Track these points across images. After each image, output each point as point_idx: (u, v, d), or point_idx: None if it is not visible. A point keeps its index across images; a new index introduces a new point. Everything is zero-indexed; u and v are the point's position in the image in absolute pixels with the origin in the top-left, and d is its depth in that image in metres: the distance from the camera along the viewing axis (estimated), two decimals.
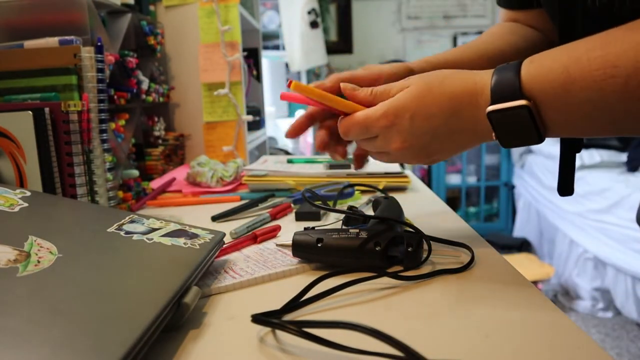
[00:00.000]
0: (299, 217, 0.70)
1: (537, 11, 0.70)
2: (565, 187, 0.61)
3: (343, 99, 0.52)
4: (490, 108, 0.45)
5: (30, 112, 0.59)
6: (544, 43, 0.70)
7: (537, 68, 0.44)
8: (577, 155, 0.61)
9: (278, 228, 0.63)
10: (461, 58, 0.66)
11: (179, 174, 1.00)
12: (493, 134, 0.46)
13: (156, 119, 1.05)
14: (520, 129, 0.44)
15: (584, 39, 0.43)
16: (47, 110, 0.61)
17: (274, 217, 0.71)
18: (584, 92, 0.41)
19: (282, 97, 0.53)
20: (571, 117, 0.43)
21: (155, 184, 0.92)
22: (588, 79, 0.41)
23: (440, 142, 0.49)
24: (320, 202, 0.66)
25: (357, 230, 0.50)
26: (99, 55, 0.68)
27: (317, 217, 0.70)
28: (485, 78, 0.46)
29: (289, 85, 0.51)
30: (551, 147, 2.74)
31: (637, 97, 0.39)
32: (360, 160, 0.61)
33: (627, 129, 0.44)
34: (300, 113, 3.04)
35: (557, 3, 0.57)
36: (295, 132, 0.60)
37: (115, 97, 0.83)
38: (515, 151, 3.31)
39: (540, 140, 0.45)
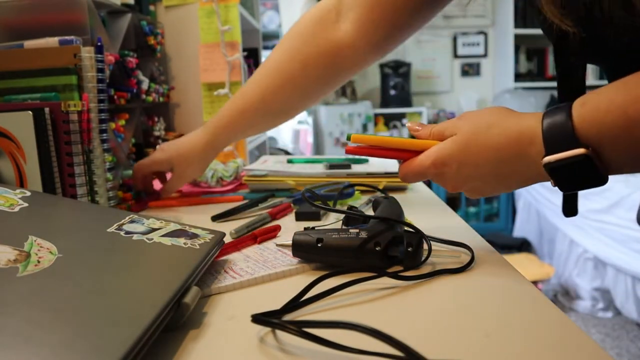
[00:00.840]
0: (299, 217, 0.70)
1: None
2: (570, 208, 0.61)
3: (404, 139, 0.54)
4: (547, 160, 0.43)
5: (30, 112, 0.59)
6: None
7: (591, 111, 0.42)
8: None
9: (278, 228, 0.63)
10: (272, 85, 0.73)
11: None
12: (551, 182, 0.45)
13: (156, 119, 1.05)
14: (580, 175, 0.43)
15: (636, 74, 0.41)
16: (47, 110, 0.61)
17: (274, 217, 0.71)
18: None
19: (348, 151, 0.55)
20: (635, 157, 0.42)
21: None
22: None
23: (492, 185, 0.50)
24: (320, 202, 0.66)
25: (357, 230, 0.50)
26: (99, 55, 0.68)
27: (317, 217, 0.70)
28: (533, 125, 0.44)
29: (348, 139, 0.54)
30: None
31: None
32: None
33: None
34: (300, 114, 3.04)
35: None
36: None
37: (115, 97, 0.83)
38: None
39: (603, 183, 0.43)
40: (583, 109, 0.42)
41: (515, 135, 0.46)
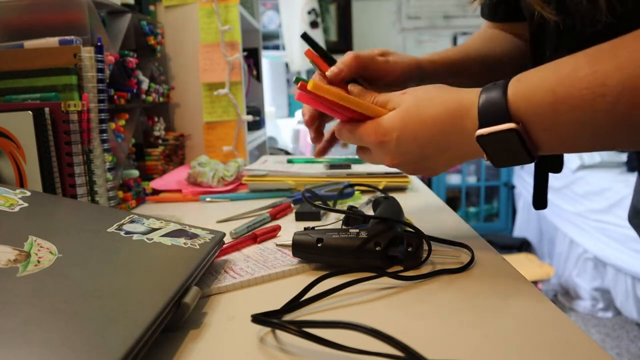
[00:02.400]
0: (299, 217, 0.70)
1: (519, 23, 0.71)
2: (540, 202, 0.62)
3: (359, 100, 0.53)
4: (479, 132, 0.44)
5: (30, 112, 0.59)
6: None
7: (523, 89, 0.43)
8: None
9: (278, 228, 0.63)
10: (462, 60, 0.67)
11: (179, 174, 1.00)
12: (484, 156, 0.46)
13: (156, 119, 1.05)
14: (510, 150, 0.44)
15: (572, 55, 0.41)
16: (47, 110, 0.61)
17: (274, 217, 0.71)
18: (573, 113, 0.40)
19: (297, 98, 0.53)
20: (562, 137, 0.43)
21: (156, 183, 0.92)
22: (576, 99, 0.39)
23: (430, 159, 0.50)
24: (320, 202, 0.66)
25: (357, 230, 0.50)
26: (99, 55, 0.68)
27: (317, 217, 0.70)
28: (471, 98, 0.46)
29: (300, 87, 0.51)
30: None
31: (628, 115, 0.38)
32: (323, 151, 0.64)
33: (621, 145, 0.43)
34: (300, 114, 3.03)
35: (530, 22, 0.58)
36: (323, 153, 0.64)
37: (115, 97, 0.83)
38: None
39: (532, 160, 0.44)
40: (518, 85, 0.43)
41: (454, 107, 0.47)
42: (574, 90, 0.40)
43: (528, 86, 0.43)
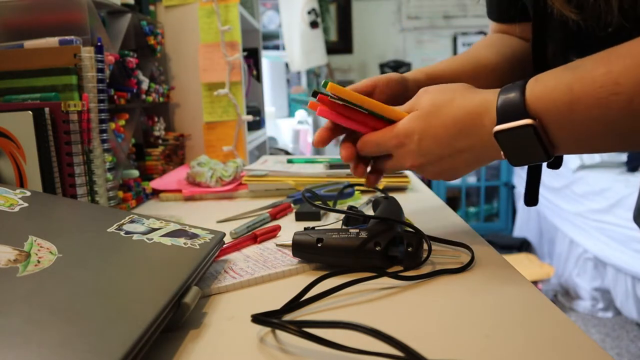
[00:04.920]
0: (299, 217, 0.70)
1: (526, 24, 0.71)
2: (531, 198, 0.63)
3: (380, 104, 0.53)
4: (497, 128, 0.45)
5: (30, 112, 0.59)
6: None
7: (541, 87, 0.44)
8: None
9: (278, 228, 0.63)
10: (456, 70, 0.67)
11: (179, 174, 1.00)
12: (502, 153, 0.47)
13: (156, 119, 1.05)
14: (527, 148, 0.45)
15: (588, 57, 0.43)
16: (47, 110, 0.61)
17: (274, 217, 0.71)
18: (589, 111, 0.41)
19: (311, 106, 0.54)
20: (578, 135, 0.44)
21: (156, 183, 0.92)
22: (592, 97, 0.41)
23: (450, 160, 0.51)
24: (320, 202, 0.66)
25: (357, 230, 0.50)
26: (99, 55, 0.68)
27: (317, 217, 0.70)
28: (490, 98, 0.47)
29: (320, 100, 0.51)
30: None
31: None
32: (373, 180, 0.60)
33: (633, 145, 0.44)
34: (300, 114, 3.02)
35: (533, 22, 0.58)
36: (322, 143, 0.60)
37: (115, 97, 0.83)
38: None
39: (548, 158, 0.45)
40: (535, 84, 0.45)
41: (473, 108, 0.48)
42: (589, 88, 0.41)
43: (545, 85, 0.44)
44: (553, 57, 0.58)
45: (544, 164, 0.54)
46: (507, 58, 0.69)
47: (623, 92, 0.39)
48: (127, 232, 0.47)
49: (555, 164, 0.59)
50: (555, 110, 0.43)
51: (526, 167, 0.62)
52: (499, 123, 0.45)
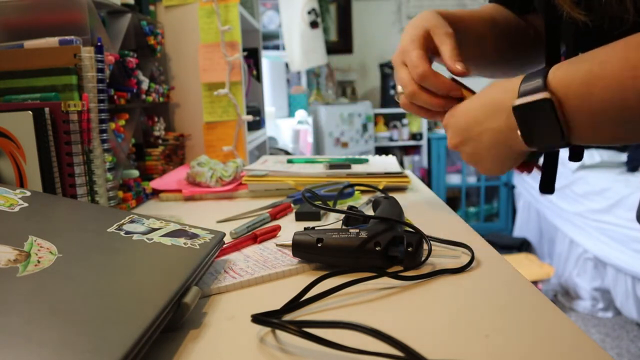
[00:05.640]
0: (299, 217, 0.70)
1: (531, 16, 0.72)
2: (547, 185, 0.63)
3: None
4: (515, 102, 0.48)
5: (30, 112, 0.59)
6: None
7: (562, 70, 0.46)
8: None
9: (278, 228, 0.63)
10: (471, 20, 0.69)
11: (179, 174, 1.00)
12: (518, 132, 0.48)
13: (156, 119, 1.05)
14: (543, 125, 0.46)
15: (606, 45, 0.44)
16: (47, 110, 0.61)
17: (274, 217, 0.71)
18: (606, 92, 0.42)
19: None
20: (593, 118, 0.45)
21: (156, 183, 0.92)
22: (610, 78, 0.42)
23: (476, 142, 0.55)
24: (320, 202, 0.66)
25: (357, 230, 0.50)
26: (99, 55, 0.68)
27: (317, 217, 0.70)
28: (515, 81, 0.50)
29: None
30: None
31: None
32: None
33: None
34: (300, 113, 3.02)
35: (545, 18, 0.60)
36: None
37: (115, 97, 0.83)
38: None
39: (563, 139, 0.46)
40: (557, 69, 0.47)
41: (503, 89, 0.52)
42: (608, 71, 0.42)
43: (567, 70, 0.46)
44: (567, 58, 0.60)
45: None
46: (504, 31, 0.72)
47: None
48: (127, 232, 0.47)
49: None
50: (574, 87, 0.44)
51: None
52: (518, 98, 0.48)
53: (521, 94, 0.48)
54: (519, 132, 0.49)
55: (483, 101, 0.54)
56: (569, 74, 0.45)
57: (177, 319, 0.38)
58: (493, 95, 0.53)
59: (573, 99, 0.45)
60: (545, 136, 0.47)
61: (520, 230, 3.32)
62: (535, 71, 0.48)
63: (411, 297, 0.43)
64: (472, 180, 3.67)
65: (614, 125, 0.44)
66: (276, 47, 3.29)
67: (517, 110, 0.48)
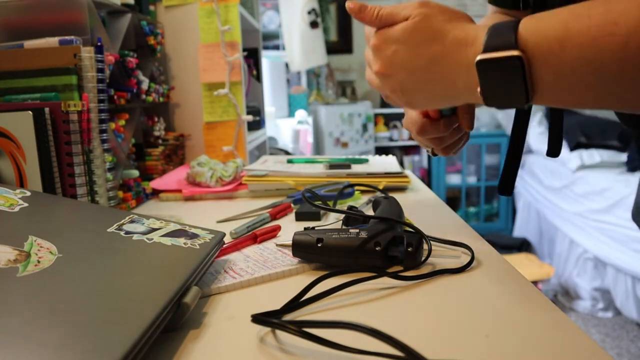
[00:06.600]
0: (299, 217, 0.70)
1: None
2: (506, 186, 0.61)
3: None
4: (480, 57, 0.42)
5: (30, 112, 0.59)
6: None
7: (535, 22, 0.41)
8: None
9: (278, 228, 0.63)
10: None
11: (179, 174, 1.00)
12: (478, 88, 0.44)
13: (156, 119, 1.05)
14: (508, 85, 0.42)
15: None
16: (47, 110, 0.61)
17: (274, 217, 0.71)
18: (580, 50, 0.38)
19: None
20: (563, 78, 0.40)
21: (156, 183, 0.92)
22: (585, 35, 0.38)
23: (415, 82, 0.49)
24: (320, 202, 0.66)
25: (357, 230, 0.50)
26: (99, 55, 0.68)
27: (317, 217, 0.70)
28: (480, 31, 0.44)
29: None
30: None
31: (636, 60, 0.36)
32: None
33: (619, 99, 0.41)
34: (300, 113, 3.02)
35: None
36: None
37: (115, 97, 0.83)
38: None
39: (526, 100, 0.42)
40: (529, 20, 0.42)
41: (462, 35, 0.45)
42: (584, 26, 0.38)
43: (539, 20, 0.41)
44: None
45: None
46: None
47: (619, 33, 0.36)
48: (127, 232, 0.47)
49: (554, 151, 0.57)
50: (545, 44, 0.40)
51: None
52: (484, 52, 0.42)
53: (488, 48, 0.42)
54: (478, 89, 0.44)
55: (438, 43, 0.46)
56: (541, 27, 0.40)
57: (177, 319, 0.38)
58: (453, 36, 0.45)
59: (543, 56, 0.40)
60: (506, 96, 0.42)
61: (520, 230, 3.32)
62: (504, 22, 0.42)
63: (411, 297, 0.43)
64: (472, 180, 3.67)
65: (584, 89, 0.40)
66: (276, 47, 3.29)
67: (482, 64, 0.42)
